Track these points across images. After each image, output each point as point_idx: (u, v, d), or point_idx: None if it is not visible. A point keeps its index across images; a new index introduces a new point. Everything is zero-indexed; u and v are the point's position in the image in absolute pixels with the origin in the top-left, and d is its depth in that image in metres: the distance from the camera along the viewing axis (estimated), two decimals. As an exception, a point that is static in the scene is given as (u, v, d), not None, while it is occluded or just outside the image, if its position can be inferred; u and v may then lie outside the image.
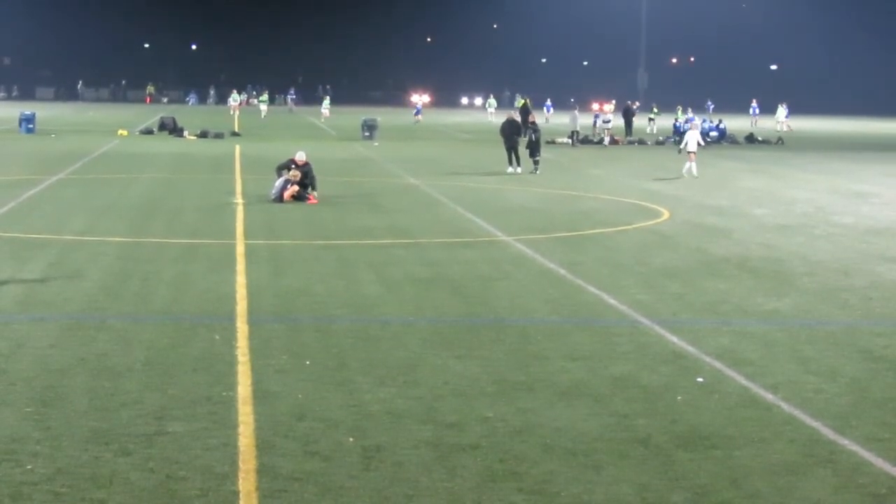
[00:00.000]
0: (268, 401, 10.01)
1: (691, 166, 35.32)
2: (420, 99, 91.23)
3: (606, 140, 55.95)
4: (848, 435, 9.43)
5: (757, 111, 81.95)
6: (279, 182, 26.25)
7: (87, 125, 65.26)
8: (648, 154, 49.15)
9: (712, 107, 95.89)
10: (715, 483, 8.27)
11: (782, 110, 74.57)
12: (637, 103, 70.51)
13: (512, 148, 36.88)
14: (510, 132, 37.27)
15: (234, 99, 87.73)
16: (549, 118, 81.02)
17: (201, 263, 17.20)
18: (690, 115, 61.95)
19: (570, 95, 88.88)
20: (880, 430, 9.61)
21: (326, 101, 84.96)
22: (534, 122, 38.14)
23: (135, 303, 14.22)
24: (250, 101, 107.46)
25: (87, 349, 11.71)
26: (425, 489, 8.02)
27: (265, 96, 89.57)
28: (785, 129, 70.37)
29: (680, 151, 37.12)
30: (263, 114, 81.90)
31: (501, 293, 15.37)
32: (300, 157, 27.10)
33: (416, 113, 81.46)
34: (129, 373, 10.85)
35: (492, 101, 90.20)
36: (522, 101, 76.09)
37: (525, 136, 37.90)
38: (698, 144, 36.54)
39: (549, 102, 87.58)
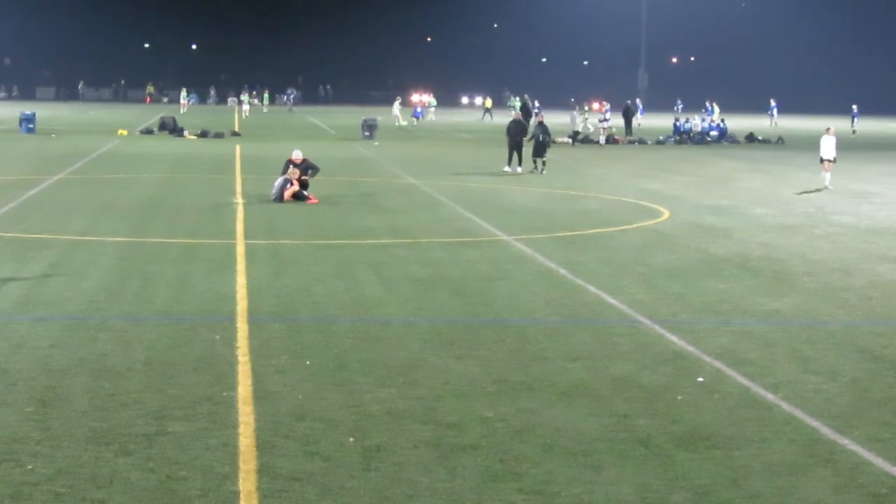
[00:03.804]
0: (268, 401, 10.01)
1: (826, 177, 32.26)
2: (421, 99, 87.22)
3: (602, 139, 55.91)
4: (848, 435, 9.43)
5: (775, 110, 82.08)
6: (279, 181, 26.27)
7: (87, 125, 65.24)
8: (649, 154, 49.15)
9: (681, 106, 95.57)
10: (715, 483, 8.27)
11: (715, 108, 72.94)
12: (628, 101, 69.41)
13: (515, 147, 36.92)
14: (515, 132, 37.32)
15: (184, 97, 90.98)
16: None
17: (201, 263, 17.20)
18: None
19: (570, 95, 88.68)
20: (880, 430, 9.62)
21: (397, 105, 76.50)
22: (541, 122, 37.75)
23: (135, 303, 14.22)
24: (251, 100, 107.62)
25: (88, 349, 11.72)
26: (425, 489, 8.02)
27: (246, 96, 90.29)
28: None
29: (822, 161, 32.73)
30: (245, 113, 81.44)
31: (501, 293, 15.38)
32: (296, 155, 27.17)
33: (416, 115, 77.42)
34: (130, 373, 10.86)
35: (431, 101, 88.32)
36: (519, 102, 75.99)
37: (531, 139, 37.74)
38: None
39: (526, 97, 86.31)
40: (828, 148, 32.22)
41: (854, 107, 74.58)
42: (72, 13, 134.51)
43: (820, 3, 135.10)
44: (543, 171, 35.72)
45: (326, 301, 14.54)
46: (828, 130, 32.85)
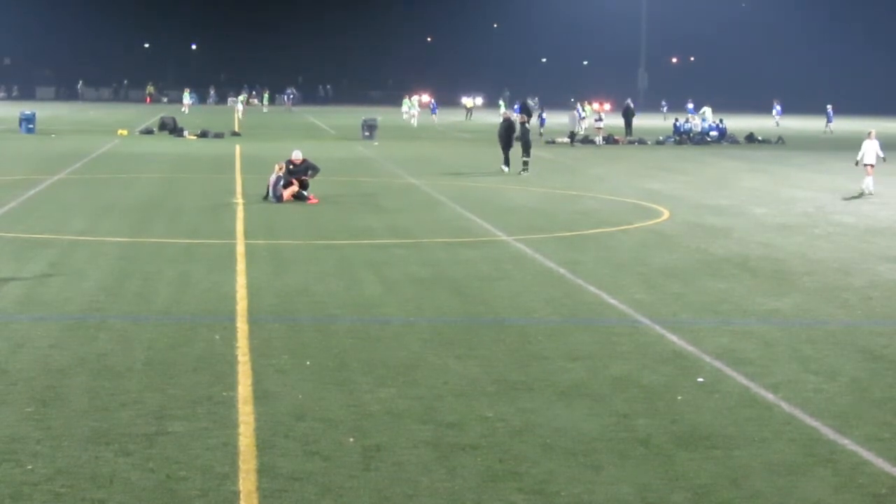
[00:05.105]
0: (268, 401, 10.02)
1: (867, 181, 30.81)
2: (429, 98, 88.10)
3: (599, 139, 55.91)
4: (848, 435, 9.43)
5: (780, 112, 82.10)
6: (272, 179, 26.23)
7: (87, 125, 65.24)
8: (648, 154, 49.15)
9: (666, 108, 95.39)
10: (715, 483, 8.27)
11: (708, 111, 72.28)
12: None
13: (506, 148, 37.02)
14: (504, 132, 37.46)
15: (187, 97, 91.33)
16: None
17: (201, 263, 17.21)
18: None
19: (570, 95, 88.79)
20: (880, 430, 9.62)
21: (416, 103, 78.24)
22: (522, 124, 37.89)
23: (135, 303, 14.22)
24: (251, 100, 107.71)
25: (87, 349, 11.71)
26: (425, 489, 8.02)
27: (243, 96, 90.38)
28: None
29: (857, 164, 31.72)
30: (239, 113, 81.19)
31: (501, 293, 15.37)
32: (296, 155, 27.16)
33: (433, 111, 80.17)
34: (129, 373, 10.86)
35: (407, 101, 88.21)
36: (504, 103, 76.77)
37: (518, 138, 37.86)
38: (878, 157, 31.15)
39: (509, 100, 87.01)
40: (870, 152, 31.08)
41: (829, 107, 74.35)
42: (72, 13, 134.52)
43: (819, 4, 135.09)
44: (527, 170, 35.58)
45: (326, 301, 14.54)
46: (869, 134, 31.60)
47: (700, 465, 8.64)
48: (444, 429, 9.35)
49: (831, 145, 58.76)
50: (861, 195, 30.53)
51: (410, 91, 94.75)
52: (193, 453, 8.61)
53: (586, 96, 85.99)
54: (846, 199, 30.03)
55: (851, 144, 57.50)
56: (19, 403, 9.81)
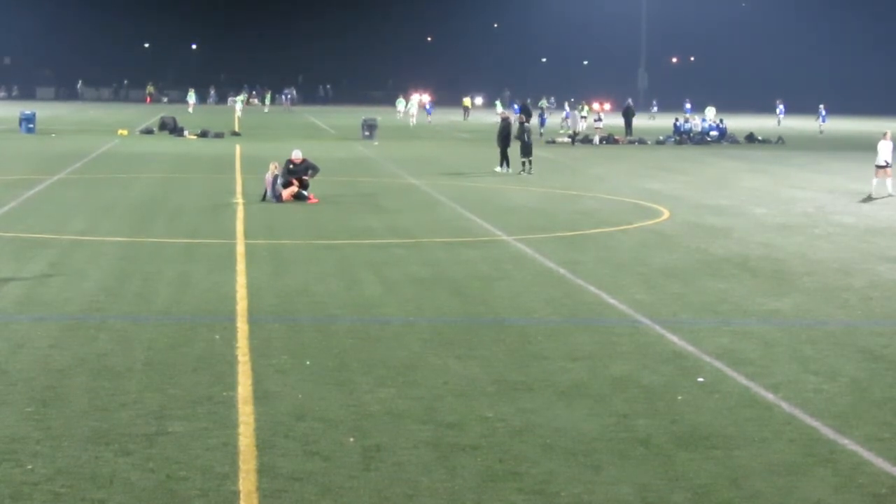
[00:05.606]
0: (268, 401, 10.02)
1: (882, 183, 30.46)
2: (425, 98, 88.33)
3: (596, 139, 55.89)
4: (848, 435, 9.43)
5: (783, 112, 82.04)
6: (268, 178, 26.22)
7: (87, 125, 65.23)
8: (648, 154, 49.15)
9: (656, 108, 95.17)
10: (715, 483, 8.27)
11: (710, 111, 71.69)
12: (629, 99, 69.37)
13: (505, 148, 37.03)
14: (501, 132, 37.48)
15: (192, 97, 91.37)
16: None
17: (201, 263, 17.21)
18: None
19: (570, 95, 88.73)
20: (880, 430, 9.62)
21: (415, 103, 78.77)
22: (522, 123, 37.88)
23: (135, 303, 14.22)
24: (251, 100, 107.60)
25: (87, 349, 11.72)
26: (425, 489, 8.02)
27: (242, 96, 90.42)
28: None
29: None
30: (240, 112, 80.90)
31: (501, 293, 15.38)
32: (296, 155, 27.15)
33: (428, 111, 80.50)
34: (129, 373, 10.86)
35: (401, 101, 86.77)
36: (501, 103, 76.92)
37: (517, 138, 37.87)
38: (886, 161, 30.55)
39: (514, 105, 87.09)
40: (884, 153, 30.54)
41: (822, 107, 74.18)
42: (72, 13, 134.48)
43: (819, 3, 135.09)
44: (531, 172, 35.61)
45: (326, 301, 14.55)
46: (885, 135, 31.10)
47: (700, 465, 8.65)
48: (444, 429, 9.35)
49: (831, 145, 58.76)
50: (884, 196, 30.11)
51: (407, 91, 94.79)
52: (193, 453, 8.61)
53: (586, 96, 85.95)
54: (861, 201, 29.70)
55: (850, 145, 57.62)
56: (19, 403, 9.81)
